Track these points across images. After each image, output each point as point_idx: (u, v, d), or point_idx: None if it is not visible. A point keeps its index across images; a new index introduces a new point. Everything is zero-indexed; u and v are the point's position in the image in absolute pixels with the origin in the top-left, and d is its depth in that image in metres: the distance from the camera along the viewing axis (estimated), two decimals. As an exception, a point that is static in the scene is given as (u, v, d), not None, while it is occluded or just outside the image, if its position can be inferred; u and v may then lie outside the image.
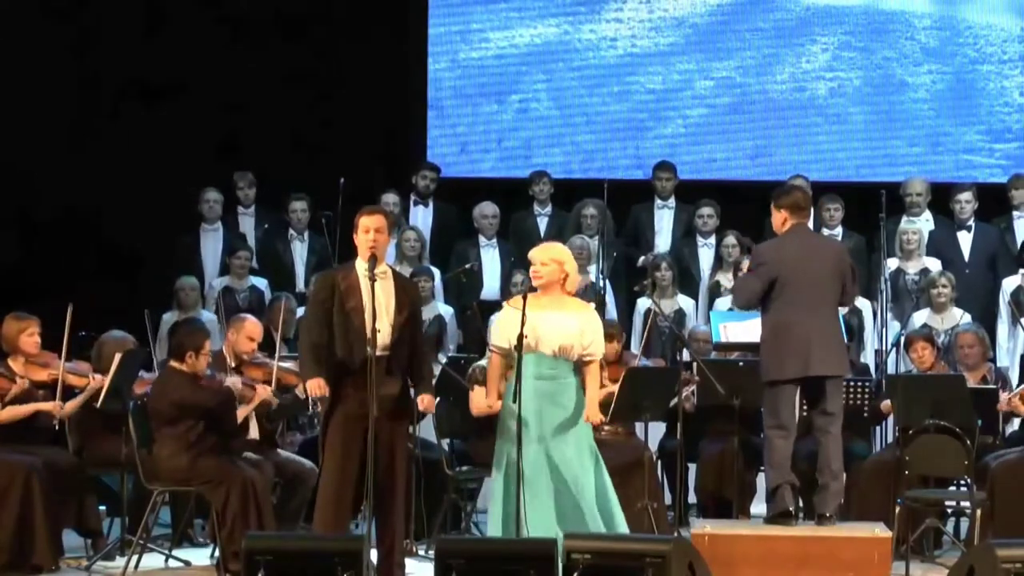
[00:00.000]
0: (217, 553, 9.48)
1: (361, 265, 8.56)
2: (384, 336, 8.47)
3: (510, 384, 8.61)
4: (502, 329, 8.74)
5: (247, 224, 12.92)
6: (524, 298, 8.54)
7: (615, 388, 9.83)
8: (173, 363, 9.48)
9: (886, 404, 10.23)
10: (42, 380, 9.62)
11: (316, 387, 8.50)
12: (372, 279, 8.40)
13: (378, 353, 8.40)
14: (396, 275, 8.76)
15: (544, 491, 8.53)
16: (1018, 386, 10.33)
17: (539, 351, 8.62)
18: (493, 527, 8.67)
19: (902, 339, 10.60)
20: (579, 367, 8.75)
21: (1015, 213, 12.34)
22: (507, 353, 8.71)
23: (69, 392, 9.66)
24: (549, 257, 8.77)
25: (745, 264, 11.43)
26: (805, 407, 9.56)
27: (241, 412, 9.70)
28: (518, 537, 8.27)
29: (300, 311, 11.89)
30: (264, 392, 9.83)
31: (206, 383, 9.48)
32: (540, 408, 8.61)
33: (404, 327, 8.57)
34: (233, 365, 10.00)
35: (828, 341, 9.03)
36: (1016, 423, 10.76)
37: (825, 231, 12.16)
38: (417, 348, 8.70)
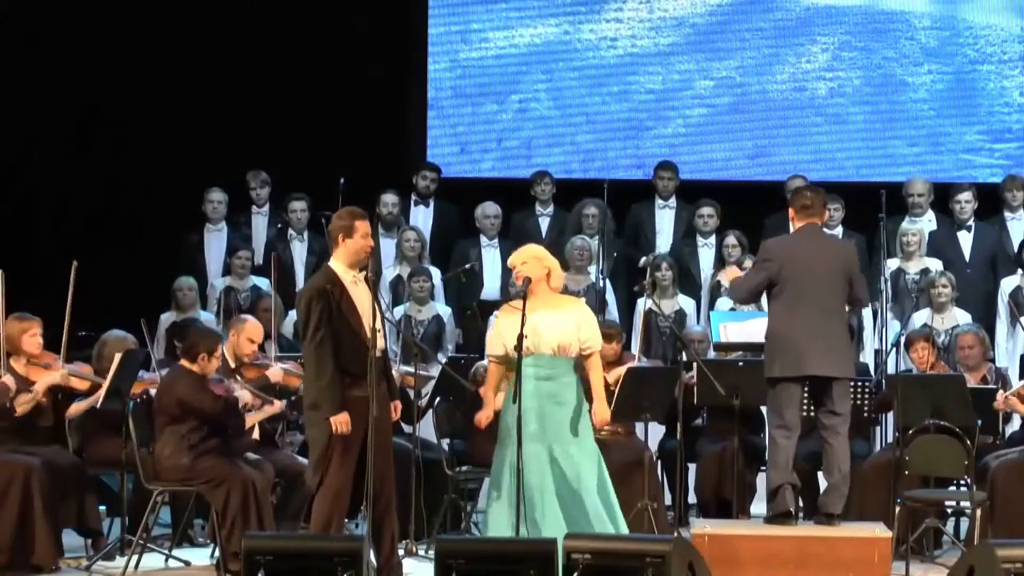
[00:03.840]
0: (217, 553, 9.48)
1: (345, 272, 8.54)
2: (379, 338, 8.48)
3: (509, 386, 8.64)
4: (496, 337, 8.75)
5: (259, 223, 12.92)
6: (524, 298, 8.55)
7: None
8: (184, 363, 9.47)
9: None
10: (39, 401, 9.62)
11: (343, 424, 8.43)
12: (373, 280, 8.43)
13: (377, 354, 8.42)
14: (367, 279, 8.72)
15: (550, 492, 8.54)
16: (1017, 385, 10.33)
17: (538, 352, 8.63)
18: (496, 527, 8.64)
19: (902, 339, 10.60)
20: (579, 363, 8.78)
21: (1007, 215, 12.33)
22: (504, 360, 8.74)
23: (71, 392, 9.70)
24: (528, 256, 8.78)
25: (748, 264, 11.47)
26: (808, 408, 9.52)
27: (250, 420, 9.70)
28: (517, 537, 8.27)
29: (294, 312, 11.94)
30: (277, 408, 9.85)
31: (214, 386, 9.48)
32: (542, 408, 8.62)
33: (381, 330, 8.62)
34: (233, 366, 10.00)
35: (832, 341, 9.01)
36: (1016, 423, 10.76)
37: (825, 231, 12.14)
38: (386, 352, 8.75)
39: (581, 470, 8.62)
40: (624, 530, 8.71)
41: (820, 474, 9.57)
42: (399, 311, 11.78)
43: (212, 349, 9.43)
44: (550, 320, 8.63)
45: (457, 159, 13.78)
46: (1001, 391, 10.02)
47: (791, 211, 9.27)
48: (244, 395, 9.67)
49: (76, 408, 9.76)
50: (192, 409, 9.29)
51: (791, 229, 9.35)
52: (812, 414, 9.30)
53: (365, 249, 8.55)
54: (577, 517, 8.52)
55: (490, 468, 8.86)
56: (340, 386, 8.45)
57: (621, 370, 10.11)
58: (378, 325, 8.42)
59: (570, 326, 8.68)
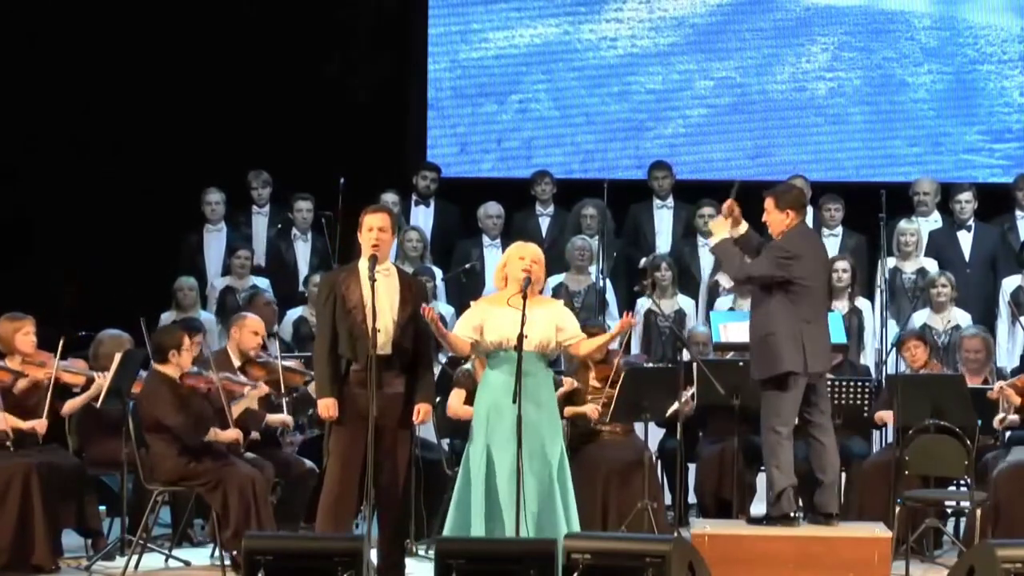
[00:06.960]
0: (217, 553, 9.48)
1: (364, 264, 8.54)
2: (385, 335, 8.46)
3: (482, 380, 8.64)
4: (469, 321, 8.67)
5: (260, 223, 12.92)
6: (524, 297, 8.51)
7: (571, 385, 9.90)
8: (157, 367, 9.45)
9: (881, 415, 10.25)
10: (38, 379, 9.62)
11: (325, 409, 8.48)
12: (372, 278, 8.39)
13: (380, 352, 8.39)
14: (401, 273, 8.73)
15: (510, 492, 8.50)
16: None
17: (524, 349, 8.56)
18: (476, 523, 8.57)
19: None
20: (563, 356, 8.79)
21: (1018, 213, 12.34)
22: (475, 345, 8.68)
23: (67, 391, 9.69)
24: (539, 257, 8.72)
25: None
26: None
27: (236, 409, 9.67)
28: (517, 537, 8.26)
29: (299, 311, 11.94)
30: (261, 391, 9.83)
31: (193, 379, 9.45)
32: (523, 406, 8.56)
33: (407, 326, 8.55)
34: (238, 364, 9.99)
35: (826, 338, 9.20)
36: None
37: (825, 231, 12.16)
38: (420, 350, 8.66)
39: (558, 470, 8.58)
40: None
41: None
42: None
43: (178, 343, 9.41)
44: (533, 317, 8.57)
45: (457, 159, 13.78)
46: (997, 381, 10.02)
47: (789, 212, 9.15)
48: (225, 381, 9.58)
49: (72, 404, 9.74)
50: (164, 427, 9.28)
51: (778, 226, 9.21)
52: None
53: (368, 242, 8.52)
54: (551, 516, 8.47)
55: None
56: (327, 371, 8.46)
57: (606, 370, 10.08)
58: (381, 324, 8.41)
59: (549, 326, 8.65)
